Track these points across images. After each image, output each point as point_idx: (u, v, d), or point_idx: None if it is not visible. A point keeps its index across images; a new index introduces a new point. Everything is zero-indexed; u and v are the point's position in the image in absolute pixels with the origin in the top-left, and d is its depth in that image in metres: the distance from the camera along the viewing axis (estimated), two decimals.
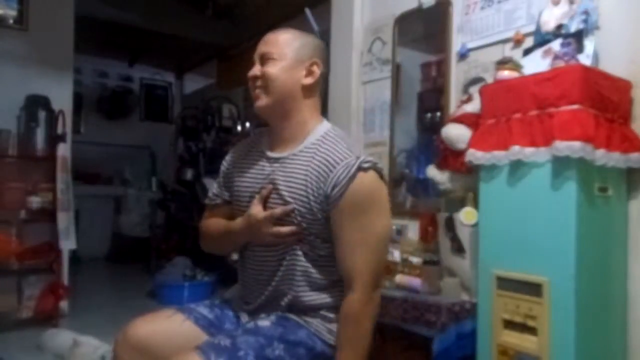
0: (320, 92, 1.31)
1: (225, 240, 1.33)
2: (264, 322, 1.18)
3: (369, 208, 1.16)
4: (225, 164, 1.39)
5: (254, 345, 1.10)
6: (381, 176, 1.21)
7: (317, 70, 1.26)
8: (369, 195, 1.16)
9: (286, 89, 1.23)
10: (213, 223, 1.36)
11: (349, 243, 1.15)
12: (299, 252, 1.20)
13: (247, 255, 1.30)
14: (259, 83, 1.24)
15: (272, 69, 1.22)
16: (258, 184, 1.25)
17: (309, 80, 1.25)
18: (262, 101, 1.24)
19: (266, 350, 1.11)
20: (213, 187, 1.43)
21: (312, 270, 1.21)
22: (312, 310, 1.22)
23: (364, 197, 1.15)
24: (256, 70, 1.25)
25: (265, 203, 1.21)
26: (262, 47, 1.26)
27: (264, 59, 1.24)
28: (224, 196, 1.37)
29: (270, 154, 1.27)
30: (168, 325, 1.24)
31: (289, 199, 1.18)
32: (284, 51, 1.23)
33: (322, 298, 1.22)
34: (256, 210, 1.20)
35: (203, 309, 1.30)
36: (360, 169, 1.14)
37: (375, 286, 1.16)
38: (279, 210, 1.18)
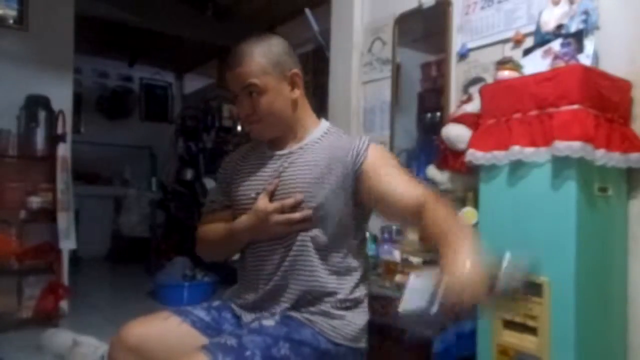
0: (309, 90, 1.34)
1: (225, 242, 1.32)
2: (269, 322, 1.18)
3: (392, 157, 1.28)
4: (222, 171, 1.41)
5: (260, 345, 1.10)
6: None
7: (299, 80, 1.28)
8: (387, 152, 1.32)
9: (281, 113, 1.26)
10: (211, 228, 1.36)
11: (398, 184, 1.19)
12: (309, 244, 1.20)
13: (249, 254, 1.30)
14: (253, 118, 1.26)
15: (264, 103, 1.23)
16: (264, 180, 1.26)
17: (296, 94, 1.28)
18: (261, 133, 1.30)
19: (272, 349, 1.11)
20: (211, 194, 1.43)
21: (319, 261, 1.21)
22: (313, 304, 1.21)
23: (384, 152, 1.28)
24: (247, 107, 1.25)
25: (271, 197, 1.23)
26: (241, 79, 1.22)
27: (248, 91, 1.23)
28: (224, 202, 1.37)
29: (274, 152, 1.30)
30: (164, 328, 1.23)
31: (300, 189, 1.20)
32: (266, 79, 1.22)
33: (326, 290, 1.21)
34: (264, 203, 1.22)
35: (200, 312, 1.28)
36: (370, 143, 1.25)
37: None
38: (290, 200, 1.20)
